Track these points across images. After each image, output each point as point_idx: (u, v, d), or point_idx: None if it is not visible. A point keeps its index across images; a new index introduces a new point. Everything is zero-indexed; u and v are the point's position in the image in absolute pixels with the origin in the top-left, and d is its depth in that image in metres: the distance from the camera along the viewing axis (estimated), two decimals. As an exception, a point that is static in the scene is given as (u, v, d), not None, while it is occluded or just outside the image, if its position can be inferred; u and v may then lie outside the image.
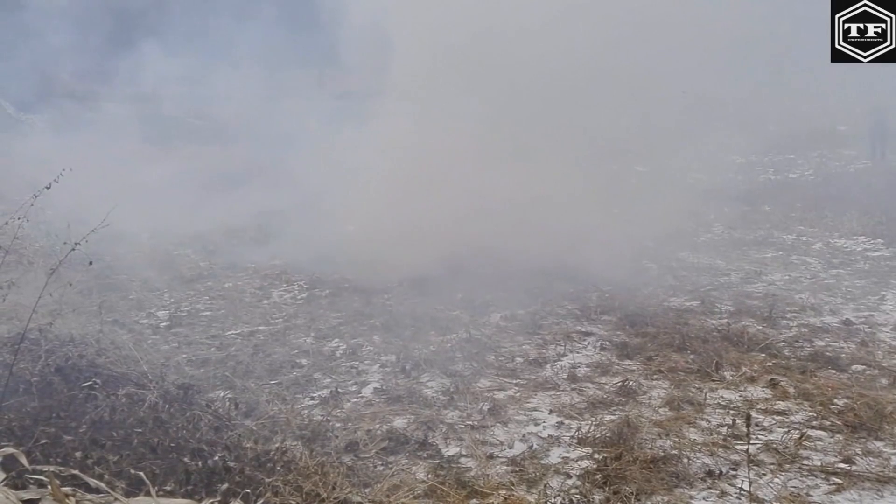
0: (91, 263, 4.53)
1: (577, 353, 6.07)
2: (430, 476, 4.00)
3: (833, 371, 5.51)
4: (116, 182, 11.12)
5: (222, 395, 5.09)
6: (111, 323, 6.45)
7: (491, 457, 4.27)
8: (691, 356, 5.81)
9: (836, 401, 4.91)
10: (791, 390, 5.12)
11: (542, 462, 4.20)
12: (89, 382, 4.24)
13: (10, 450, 3.09)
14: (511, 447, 4.40)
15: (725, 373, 5.49)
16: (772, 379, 5.31)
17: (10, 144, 14.58)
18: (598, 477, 3.95)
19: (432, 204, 8.76)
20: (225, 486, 3.49)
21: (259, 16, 15.97)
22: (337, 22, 10.88)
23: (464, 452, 4.32)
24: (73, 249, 4.13)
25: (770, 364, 5.66)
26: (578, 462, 4.18)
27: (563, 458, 4.25)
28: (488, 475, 4.00)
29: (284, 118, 14.32)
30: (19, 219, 4.36)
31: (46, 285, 4.12)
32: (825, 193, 13.54)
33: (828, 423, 4.60)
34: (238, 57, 15.43)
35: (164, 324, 7.00)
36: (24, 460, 3.06)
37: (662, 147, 10.75)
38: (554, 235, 8.76)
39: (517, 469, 4.11)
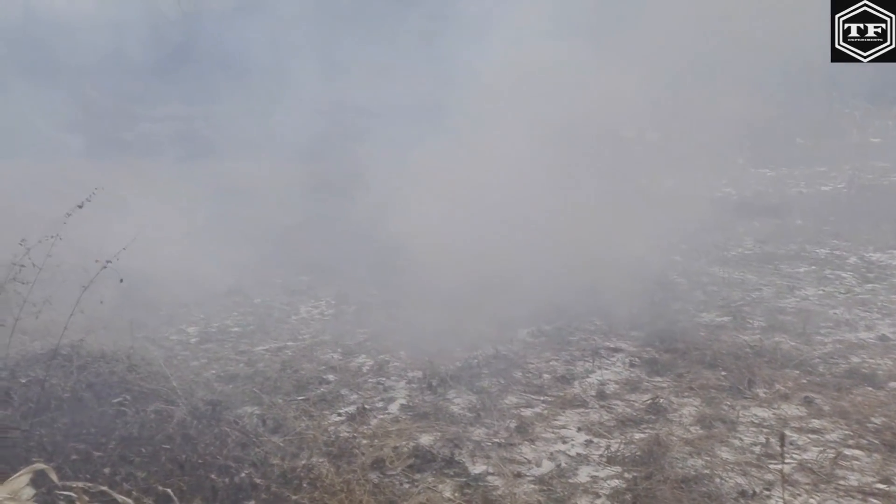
0: (122, 280, 4.61)
1: (606, 369, 6.00)
2: (456, 494, 3.97)
3: (870, 388, 5.37)
4: (149, 200, 11.29)
5: (250, 411, 5.11)
6: (142, 339, 6.54)
7: (518, 475, 4.23)
8: (723, 373, 5.71)
9: (872, 419, 4.78)
10: (826, 408, 5.00)
11: (571, 481, 4.15)
12: (119, 398, 4.29)
13: (40, 465, 3.13)
14: (539, 466, 4.35)
15: (758, 390, 5.38)
16: (806, 396, 5.20)
17: (45, 163, 14.90)
18: (627, 497, 3.89)
19: (460, 219, 8.76)
20: (251, 503, 3.51)
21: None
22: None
23: (491, 471, 4.29)
24: (105, 267, 4.20)
25: (804, 381, 5.54)
26: (607, 481, 4.12)
27: (591, 476, 4.19)
28: (515, 494, 3.96)
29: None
30: (52, 237, 4.45)
31: (78, 302, 4.19)
32: (858, 206, 13.26)
33: (864, 441, 4.49)
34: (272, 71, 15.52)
35: (193, 339, 7.08)
36: (53, 476, 3.09)
37: (691, 160, 10.64)
38: (581, 249, 8.69)
39: (545, 488, 4.06)
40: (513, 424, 4.90)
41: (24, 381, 4.34)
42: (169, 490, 3.30)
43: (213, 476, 3.68)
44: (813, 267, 9.43)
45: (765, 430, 4.71)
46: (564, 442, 4.68)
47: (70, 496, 3.05)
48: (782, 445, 3.71)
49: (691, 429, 4.78)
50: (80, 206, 4.50)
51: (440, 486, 4.11)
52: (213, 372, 6.07)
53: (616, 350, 6.46)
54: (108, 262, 4.23)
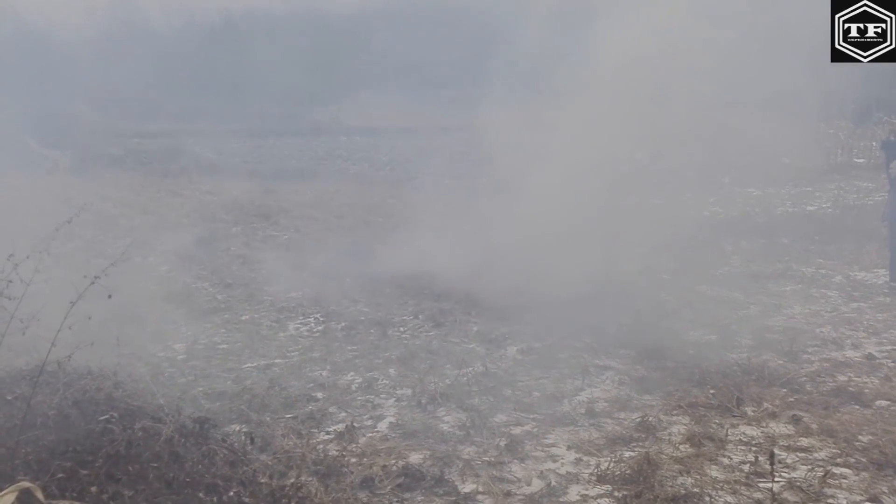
0: (110, 296, 4.57)
1: (595, 387, 6.01)
2: (446, 513, 3.95)
3: (857, 407, 5.41)
4: (136, 215, 11.26)
5: (238, 429, 5.08)
6: (129, 356, 6.46)
7: (508, 494, 4.21)
8: (711, 391, 5.73)
9: (860, 437, 4.81)
10: (814, 426, 5.02)
11: (561, 500, 4.14)
12: (106, 416, 4.25)
13: (26, 484, 3.09)
14: (529, 484, 4.34)
15: (746, 408, 5.40)
16: (794, 414, 5.22)
17: (33, 179, 14.82)
18: (617, 515, 3.88)
19: (446, 239, 8.79)
20: (240, 522, 3.47)
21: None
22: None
23: (480, 489, 4.27)
24: (93, 283, 4.17)
25: (792, 399, 5.56)
26: (598, 500, 4.11)
27: (581, 495, 4.18)
28: (506, 513, 3.94)
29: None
30: (40, 252, 4.42)
31: (66, 318, 4.15)
32: (844, 226, 13.40)
33: (852, 460, 4.51)
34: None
35: (181, 356, 7.02)
36: (40, 495, 3.05)
37: (679, 179, 10.71)
38: (569, 267, 8.72)
39: (535, 507, 4.04)
40: (503, 443, 4.88)
41: (9, 397, 4.30)
42: (156, 509, 3.27)
43: (201, 495, 3.64)
44: (799, 286, 9.50)
45: (753, 448, 4.72)
46: (554, 460, 4.67)
47: (56, 515, 3.02)
48: (772, 464, 3.72)
49: (681, 447, 4.78)
50: (69, 222, 4.48)
51: (430, 505, 4.08)
52: (201, 389, 6.02)
53: (605, 368, 6.46)
54: (96, 277, 4.20)
